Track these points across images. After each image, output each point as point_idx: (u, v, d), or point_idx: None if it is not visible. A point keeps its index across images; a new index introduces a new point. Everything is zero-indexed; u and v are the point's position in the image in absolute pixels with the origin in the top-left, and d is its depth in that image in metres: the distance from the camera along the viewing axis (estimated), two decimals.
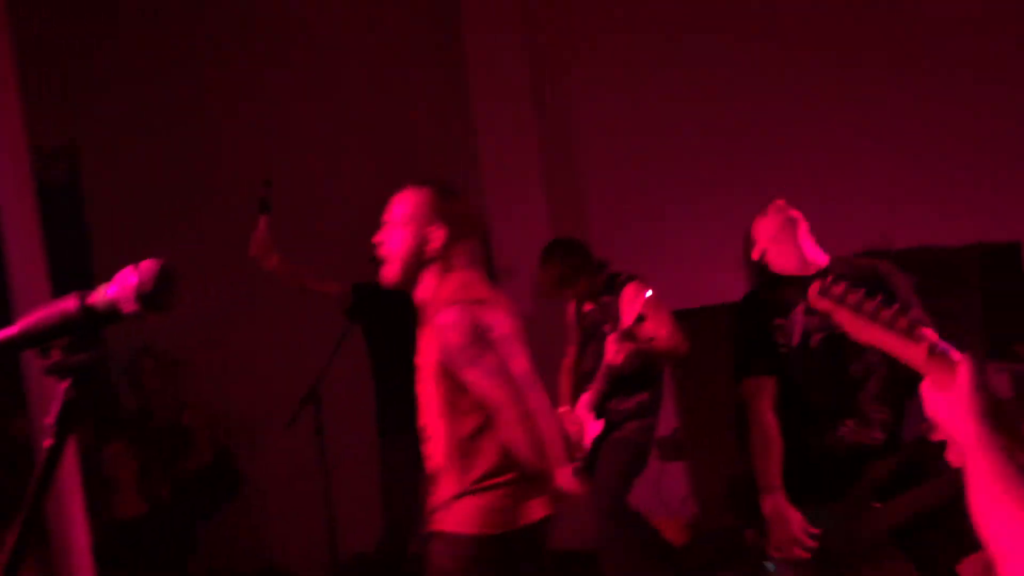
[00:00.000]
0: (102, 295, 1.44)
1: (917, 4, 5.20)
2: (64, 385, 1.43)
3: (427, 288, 2.72)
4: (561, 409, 4.57)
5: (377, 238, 2.76)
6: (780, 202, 3.27)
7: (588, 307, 4.50)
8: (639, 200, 5.59)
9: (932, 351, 1.55)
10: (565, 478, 2.79)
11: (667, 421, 4.92)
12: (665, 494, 5.32)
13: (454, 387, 2.61)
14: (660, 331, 4.23)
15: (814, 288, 1.71)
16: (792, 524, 3.03)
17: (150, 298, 1.43)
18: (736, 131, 5.47)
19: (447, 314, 2.59)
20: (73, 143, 5.59)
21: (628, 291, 4.29)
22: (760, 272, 3.31)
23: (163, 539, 4.86)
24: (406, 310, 4.98)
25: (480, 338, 2.57)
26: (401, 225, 2.71)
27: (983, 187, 5.09)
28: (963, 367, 1.50)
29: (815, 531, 3.04)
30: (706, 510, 5.25)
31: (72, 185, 5.55)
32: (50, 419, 1.42)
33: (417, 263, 2.70)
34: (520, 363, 2.69)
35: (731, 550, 4.90)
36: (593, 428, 4.37)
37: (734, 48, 5.43)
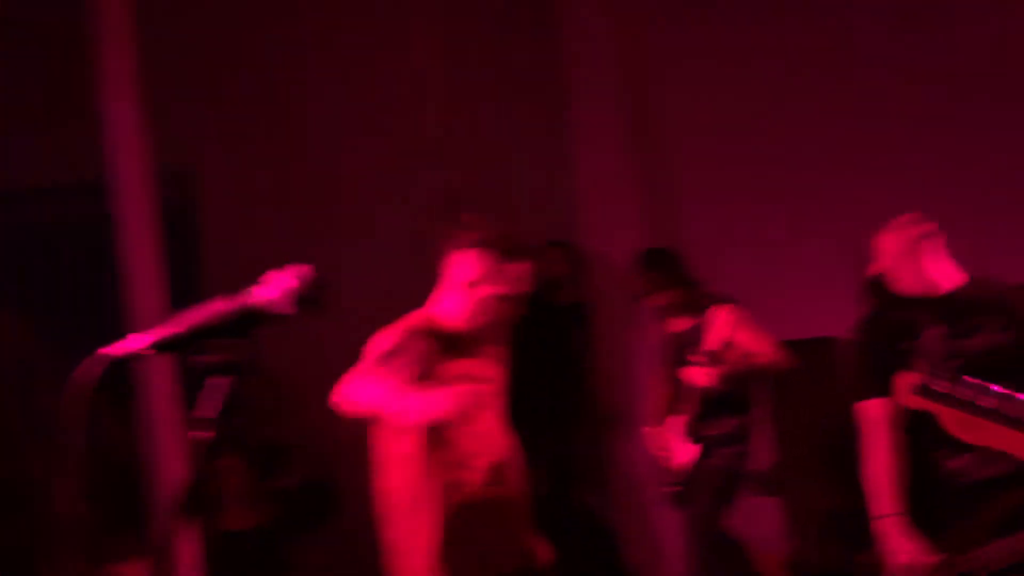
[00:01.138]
0: (262, 296, 1.53)
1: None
2: (222, 381, 1.51)
3: None
4: (646, 429, 4.55)
5: None
6: (910, 216, 3.14)
7: (677, 325, 4.44)
8: (740, 221, 5.39)
9: None
10: None
11: (766, 455, 4.84)
12: (761, 529, 5.24)
13: None
14: (759, 346, 4.15)
15: (908, 382, 1.58)
16: (913, 551, 2.96)
17: (308, 301, 1.53)
18: (849, 143, 5.25)
19: None
20: (191, 164, 5.74)
21: (717, 312, 4.23)
22: (878, 292, 3.21)
23: (261, 557, 4.90)
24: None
25: None
26: None
27: None
28: None
29: (933, 560, 2.99)
30: (803, 547, 5.15)
31: (188, 204, 5.72)
32: (207, 412, 1.50)
33: None
34: None
35: None
36: (687, 452, 4.32)
37: (851, 44, 5.24)
